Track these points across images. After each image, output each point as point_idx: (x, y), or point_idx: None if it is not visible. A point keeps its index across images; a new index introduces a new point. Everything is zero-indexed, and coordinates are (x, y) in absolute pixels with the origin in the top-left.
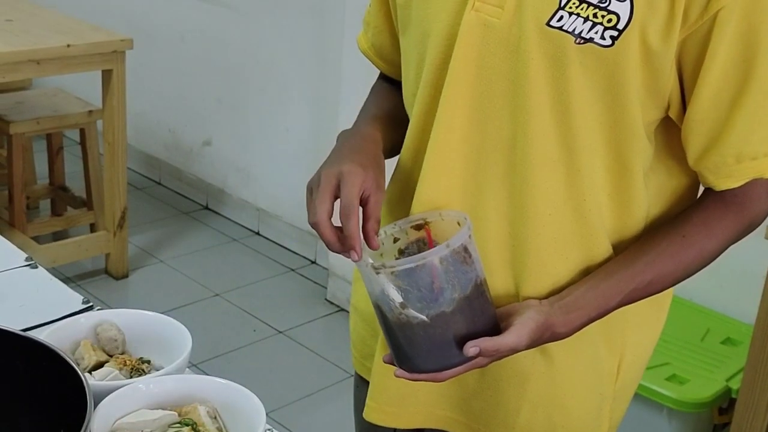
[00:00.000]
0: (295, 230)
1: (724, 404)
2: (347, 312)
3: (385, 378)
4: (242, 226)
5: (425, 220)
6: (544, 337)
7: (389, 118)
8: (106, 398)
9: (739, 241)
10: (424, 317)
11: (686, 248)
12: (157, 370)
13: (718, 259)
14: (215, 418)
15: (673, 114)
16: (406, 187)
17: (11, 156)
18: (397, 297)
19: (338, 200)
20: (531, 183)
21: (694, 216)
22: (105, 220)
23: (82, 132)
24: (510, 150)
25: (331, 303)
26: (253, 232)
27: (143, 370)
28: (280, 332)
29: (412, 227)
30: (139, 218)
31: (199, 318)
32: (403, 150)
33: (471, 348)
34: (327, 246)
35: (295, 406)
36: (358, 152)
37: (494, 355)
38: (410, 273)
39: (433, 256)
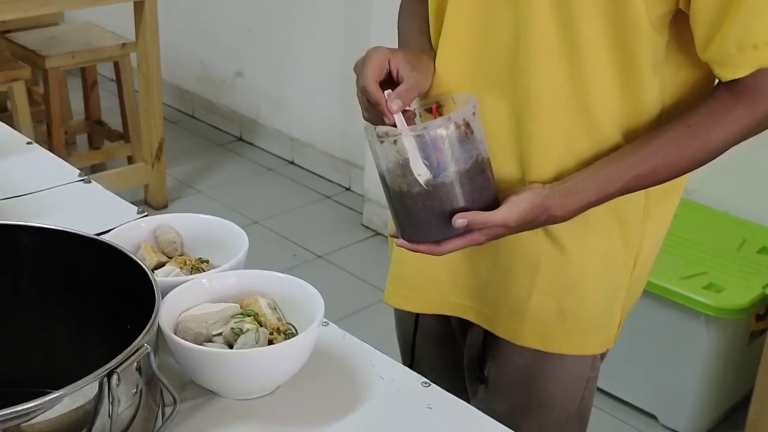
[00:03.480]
0: (329, 158)
1: (761, 311)
2: (383, 236)
3: (401, 264)
4: (276, 156)
5: (438, 102)
6: (540, 218)
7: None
8: (171, 292)
9: None
10: (423, 186)
11: (691, 138)
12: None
13: (754, 170)
14: (275, 309)
15: (683, 5)
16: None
17: (48, 90)
18: (398, 166)
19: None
20: (534, 77)
21: (702, 107)
22: (143, 152)
23: (116, 65)
24: (514, 45)
25: (368, 228)
26: (288, 161)
27: (203, 269)
28: (319, 256)
29: (426, 110)
30: (174, 151)
31: None
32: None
33: (459, 220)
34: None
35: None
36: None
37: (483, 228)
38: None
39: (434, 128)
